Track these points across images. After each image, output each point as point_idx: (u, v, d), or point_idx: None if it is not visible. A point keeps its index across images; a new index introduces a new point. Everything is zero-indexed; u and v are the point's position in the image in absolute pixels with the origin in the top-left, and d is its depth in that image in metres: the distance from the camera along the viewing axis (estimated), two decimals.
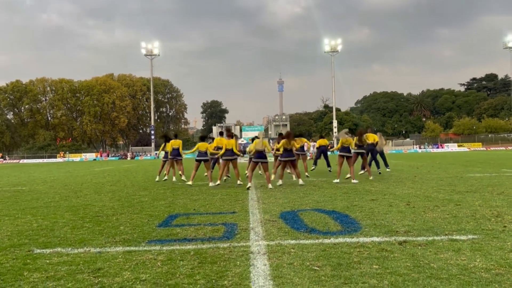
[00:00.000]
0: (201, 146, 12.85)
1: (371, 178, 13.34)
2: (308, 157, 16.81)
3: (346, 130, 12.75)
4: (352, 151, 12.75)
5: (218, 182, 11.99)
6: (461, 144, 72.13)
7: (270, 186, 11.26)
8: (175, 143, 14.15)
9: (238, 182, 11.90)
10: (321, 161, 17.44)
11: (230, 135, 12.40)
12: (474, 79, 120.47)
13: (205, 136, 14.34)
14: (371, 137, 14.34)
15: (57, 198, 10.45)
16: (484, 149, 65.55)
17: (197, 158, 12.83)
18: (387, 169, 15.83)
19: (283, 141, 11.95)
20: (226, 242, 5.11)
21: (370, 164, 14.61)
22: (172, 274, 3.87)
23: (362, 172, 14.15)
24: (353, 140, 12.87)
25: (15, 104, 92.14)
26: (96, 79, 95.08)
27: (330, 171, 16.31)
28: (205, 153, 12.83)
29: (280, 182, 11.83)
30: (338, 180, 12.13)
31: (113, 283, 3.67)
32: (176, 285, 3.56)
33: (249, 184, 11.37)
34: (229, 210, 7.74)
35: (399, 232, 5.41)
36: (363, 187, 11.08)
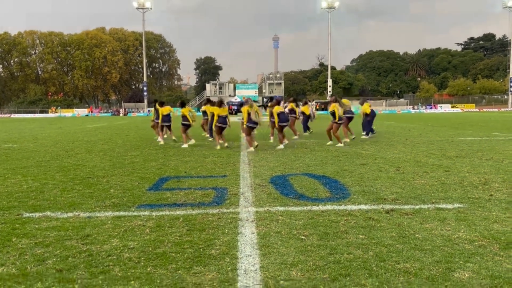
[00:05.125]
0: (184, 111, 13.26)
1: (352, 137, 13.95)
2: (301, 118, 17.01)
3: (333, 97, 12.82)
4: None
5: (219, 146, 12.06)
6: (455, 105, 72.21)
7: (251, 149, 11.19)
8: (165, 110, 14.19)
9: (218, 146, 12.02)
10: (315, 124, 17.62)
11: (221, 103, 12.50)
12: (471, 38, 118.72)
13: (184, 101, 14.85)
14: (366, 108, 15.24)
15: (48, 157, 10.41)
16: (477, 110, 65.78)
17: (183, 122, 13.16)
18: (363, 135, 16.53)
19: (276, 107, 12.12)
20: (216, 208, 5.14)
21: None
22: (160, 242, 3.90)
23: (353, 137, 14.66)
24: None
25: (4, 57, 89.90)
26: (86, 33, 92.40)
27: (310, 132, 17.00)
28: (186, 118, 13.18)
29: (281, 146, 11.90)
30: (331, 142, 12.30)
31: (101, 251, 3.70)
32: (163, 254, 3.59)
33: (251, 148, 11.27)
34: (220, 173, 7.76)
35: (387, 199, 5.47)
36: (354, 150, 11.13)
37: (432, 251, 3.60)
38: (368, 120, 15.23)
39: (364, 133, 15.28)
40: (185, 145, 12.59)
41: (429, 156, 9.75)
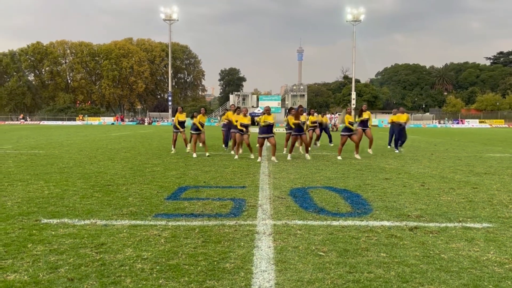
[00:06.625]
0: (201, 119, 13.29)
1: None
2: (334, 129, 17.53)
3: (365, 106, 13.16)
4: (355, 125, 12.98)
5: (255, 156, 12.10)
6: (483, 120, 70.34)
7: (274, 159, 11.34)
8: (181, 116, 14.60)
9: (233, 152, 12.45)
10: (335, 137, 17.49)
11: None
12: (501, 53, 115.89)
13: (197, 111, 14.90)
14: (403, 117, 15.09)
15: (71, 164, 10.54)
16: (507, 126, 63.86)
17: (192, 131, 13.16)
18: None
19: (291, 117, 12.14)
20: (233, 220, 5.03)
21: (392, 142, 15.75)
22: (175, 253, 3.81)
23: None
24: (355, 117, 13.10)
25: (35, 66, 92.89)
26: (115, 43, 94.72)
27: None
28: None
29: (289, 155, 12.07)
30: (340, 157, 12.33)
31: (114, 260, 3.64)
32: (177, 266, 3.50)
33: (259, 158, 11.48)
34: (239, 184, 7.67)
35: (410, 216, 5.25)
36: (378, 164, 10.86)
37: (459, 273, 3.39)
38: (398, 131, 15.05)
39: (392, 146, 15.36)
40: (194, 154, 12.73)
41: (456, 172, 9.41)
